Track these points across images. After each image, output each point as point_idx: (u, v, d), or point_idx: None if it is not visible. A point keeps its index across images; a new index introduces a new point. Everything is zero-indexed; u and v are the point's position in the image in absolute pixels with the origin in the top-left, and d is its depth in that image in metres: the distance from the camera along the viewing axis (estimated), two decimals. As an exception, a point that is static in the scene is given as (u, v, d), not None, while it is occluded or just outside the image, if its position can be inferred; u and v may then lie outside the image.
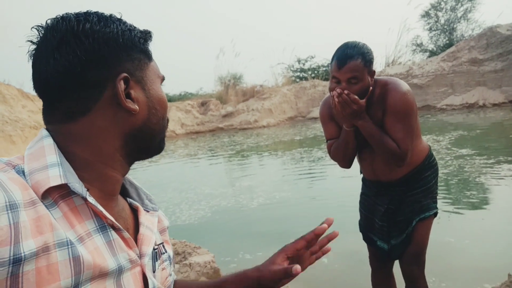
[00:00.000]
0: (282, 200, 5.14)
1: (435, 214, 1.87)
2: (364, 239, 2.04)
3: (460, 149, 7.02)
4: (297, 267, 0.72)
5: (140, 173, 8.30)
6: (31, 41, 0.62)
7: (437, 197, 1.91)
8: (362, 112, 1.67)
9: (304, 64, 23.10)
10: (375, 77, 1.77)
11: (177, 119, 16.65)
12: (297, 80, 21.34)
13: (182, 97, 23.25)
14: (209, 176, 7.56)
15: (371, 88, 1.71)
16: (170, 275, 0.83)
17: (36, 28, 0.62)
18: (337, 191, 5.29)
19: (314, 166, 7.35)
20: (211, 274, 2.55)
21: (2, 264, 0.47)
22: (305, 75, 22.00)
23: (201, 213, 4.79)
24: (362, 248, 2.14)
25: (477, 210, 4.12)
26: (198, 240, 3.73)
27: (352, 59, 1.64)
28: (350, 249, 3.08)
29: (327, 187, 5.77)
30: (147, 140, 0.69)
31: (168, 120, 0.74)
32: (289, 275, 0.75)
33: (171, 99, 22.01)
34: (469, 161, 6.04)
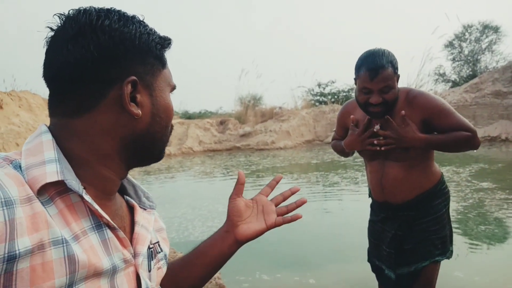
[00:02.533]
0: (297, 222, 5.05)
1: (449, 257, 1.82)
2: (373, 269, 1.99)
3: (480, 182, 6.84)
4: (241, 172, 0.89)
5: (156, 188, 8.35)
6: (50, 28, 0.62)
7: (452, 232, 1.86)
8: (407, 133, 1.66)
9: (324, 89, 23.13)
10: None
11: (195, 136, 16.78)
12: (317, 104, 21.32)
13: (201, 115, 23.47)
14: (223, 194, 7.53)
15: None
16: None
17: (58, 16, 0.61)
18: (351, 217, 5.20)
19: (330, 190, 7.26)
20: (217, 291, 2.51)
21: None
22: (325, 99, 21.97)
23: (214, 230, 4.71)
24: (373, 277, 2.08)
25: (492, 246, 3.99)
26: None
27: (383, 69, 1.61)
28: (361, 278, 3.01)
29: (343, 212, 5.67)
30: (147, 147, 0.68)
31: (172, 128, 0.72)
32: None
33: (190, 116, 22.25)
34: (490, 195, 5.87)
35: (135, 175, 9.94)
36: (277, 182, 0.91)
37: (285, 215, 0.91)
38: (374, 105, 1.66)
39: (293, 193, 0.92)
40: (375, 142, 1.72)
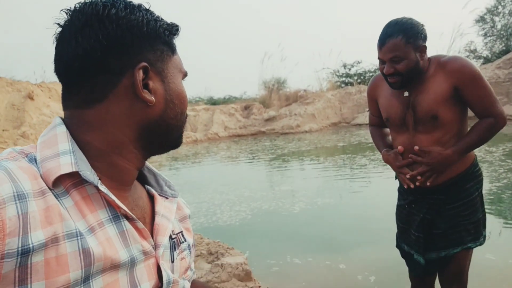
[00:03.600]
0: (324, 206, 5.05)
1: (482, 243, 1.76)
2: (402, 255, 1.94)
3: (515, 162, 6.60)
4: None
5: (183, 173, 8.49)
6: (58, 24, 0.62)
7: (485, 214, 1.79)
8: (434, 159, 1.62)
9: (350, 69, 22.70)
10: (430, 56, 1.70)
11: (220, 122, 16.88)
12: (342, 85, 20.99)
13: (226, 101, 23.56)
14: (249, 179, 7.59)
15: (423, 64, 1.65)
16: (191, 270, 0.81)
17: (64, 11, 0.61)
18: (380, 200, 5.14)
19: (357, 173, 7.18)
20: (243, 276, 2.54)
21: (10, 255, 0.46)
22: (351, 80, 21.59)
23: (242, 215, 4.80)
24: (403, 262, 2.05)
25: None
26: (240, 242, 3.75)
27: (391, 38, 1.59)
28: (390, 263, 2.98)
29: (371, 195, 5.61)
30: (163, 134, 0.66)
31: (187, 116, 0.71)
32: None
33: (215, 102, 22.38)
34: (526, 175, 5.67)
35: (162, 161, 10.13)
36: None
37: None
38: (390, 76, 1.65)
39: None
40: (408, 176, 1.69)
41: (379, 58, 1.66)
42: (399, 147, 1.73)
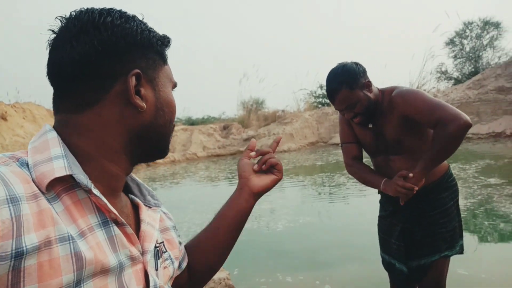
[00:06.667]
0: (307, 224, 5.06)
1: (460, 252, 1.82)
2: (384, 266, 1.99)
3: (488, 178, 6.80)
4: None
5: (162, 194, 8.36)
6: (52, 30, 0.63)
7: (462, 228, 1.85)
8: (419, 179, 1.66)
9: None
10: (382, 88, 1.81)
11: (199, 142, 16.81)
12: (319, 106, 21.35)
13: (205, 121, 23.56)
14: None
15: (375, 97, 1.75)
16: (180, 243, 0.84)
17: (59, 19, 0.63)
18: (362, 216, 5.18)
19: (337, 191, 7.24)
20: (226, 292, 2.51)
21: (4, 258, 0.46)
22: (327, 101, 21.97)
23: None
24: (385, 276, 2.07)
25: (500, 243, 3.94)
26: (231, 261, 3.70)
27: (337, 93, 1.70)
28: (373, 277, 2.99)
29: (351, 212, 5.65)
30: (152, 141, 0.68)
31: (174, 127, 0.74)
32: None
33: (194, 122, 22.32)
34: (498, 191, 5.83)
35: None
36: (277, 143, 0.95)
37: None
38: (353, 118, 1.77)
39: (277, 143, 0.95)
40: (401, 203, 1.74)
41: (336, 109, 1.78)
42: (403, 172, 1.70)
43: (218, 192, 8.49)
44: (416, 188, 1.64)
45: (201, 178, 10.54)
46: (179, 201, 7.53)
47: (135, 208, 0.73)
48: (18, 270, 0.47)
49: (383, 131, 1.79)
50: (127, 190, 0.75)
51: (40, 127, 11.96)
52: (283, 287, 3.13)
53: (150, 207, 0.75)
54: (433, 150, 1.61)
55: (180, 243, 0.84)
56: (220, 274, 2.64)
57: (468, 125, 1.54)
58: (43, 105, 13.45)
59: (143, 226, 0.69)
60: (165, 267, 0.74)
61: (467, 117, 1.55)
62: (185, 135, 17.08)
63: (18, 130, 11.33)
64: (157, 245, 0.72)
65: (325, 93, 1.86)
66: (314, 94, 23.22)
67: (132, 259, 0.62)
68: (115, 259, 0.58)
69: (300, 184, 8.53)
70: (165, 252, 0.76)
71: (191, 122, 22.50)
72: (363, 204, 5.78)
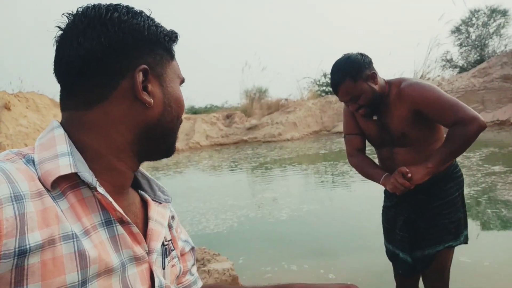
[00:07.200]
0: (311, 212, 5.08)
1: (465, 242, 1.82)
2: (388, 256, 2.00)
3: (492, 166, 6.78)
4: None
5: (165, 183, 8.39)
6: (59, 27, 0.63)
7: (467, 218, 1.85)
8: (417, 175, 1.62)
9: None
10: (389, 79, 1.79)
11: (202, 131, 16.81)
12: (323, 94, 21.23)
13: (207, 110, 23.53)
14: (233, 187, 7.57)
15: (380, 89, 1.73)
16: (191, 274, 0.82)
17: (66, 16, 0.62)
18: (365, 205, 5.19)
19: (340, 179, 7.25)
20: (230, 281, 2.53)
21: (7, 256, 0.46)
22: (331, 89, 21.85)
23: (229, 223, 4.78)
24: (389, 264, 2.08)
25: (503, 231, 3.94)
26: (230, 249, 3.74)
27: (340, 85, 1.69)
28: (376, 265, 3.01)
29: (355, 201, 5.67)
30: (159, 138, 0.68)
31: (181, 122, 0.73)
32: None
33: (197, 111, 22.30)
34: (502, 178, 5.81)
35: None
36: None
37: None
38: (357, 110, 1.76)
39: None
40: (398, 194, 1.71)
41: (340, 101, 1.78)
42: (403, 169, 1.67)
43: (222, 181, 8.52)
44: (412, 186, 1.63)
45: (204, 167, 10.57)
46: (182, 190, 7.57)
47: (144, 204, 0.73)
48: (21, 268, 0.47)
49: (388, 124, 1.77)
50: (137, 186, 0.74)
51: (43, 116, 12.02)
52: (288, 276, 3.14)
53: (160, 203, 0.75)
54: (447, 149, 1.62)
55: (191, 273, 0.82)
56: (224, 265, 2.66)
57: (484, 127, 1.60)
58: (46, 94, 13.46)
59: (151, 224, 0.69)
60: (173, 265, 0.73)
61: (483, 119, 1.60)
62: (188, 124, 17.08)
63: (22, 119, 11.36)
64: (166, 243, 0.72)
65: (329, 81, 1.85)
66: (317, 83, 23.10)
67: (136, 259, 0.62)
68: (117, 258, 0.58)
69: (303, 173, 8.54)
70: (173, 250, 0.75)
71: (194, 111, 22.47)
72: (367, 193, 5.78)
